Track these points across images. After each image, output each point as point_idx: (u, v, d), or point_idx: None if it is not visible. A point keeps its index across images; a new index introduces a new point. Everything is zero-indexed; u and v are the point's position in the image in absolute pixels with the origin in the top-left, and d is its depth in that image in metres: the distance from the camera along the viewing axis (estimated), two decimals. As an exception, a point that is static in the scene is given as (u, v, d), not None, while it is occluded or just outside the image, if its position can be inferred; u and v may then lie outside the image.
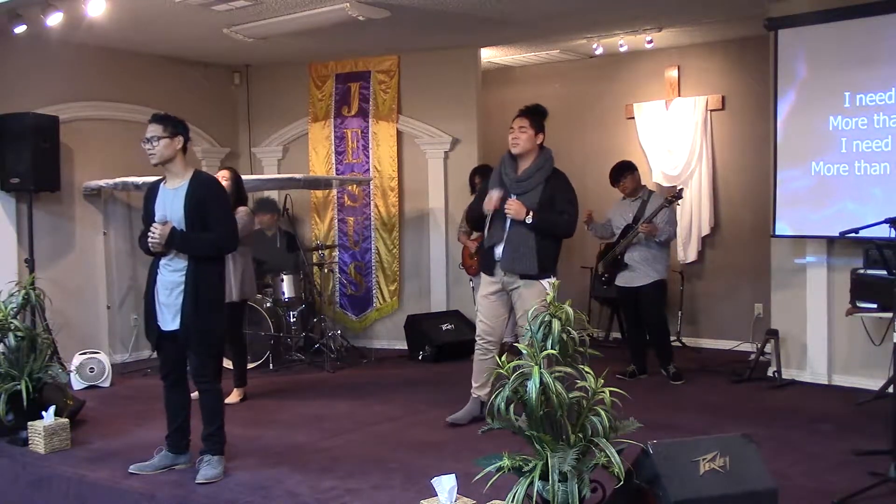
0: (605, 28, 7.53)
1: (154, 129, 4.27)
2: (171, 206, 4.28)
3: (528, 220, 5.03)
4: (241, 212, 6.03)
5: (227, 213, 4.39)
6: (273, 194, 8.27)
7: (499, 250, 5.16)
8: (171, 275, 4.27)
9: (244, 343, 6.41)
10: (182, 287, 4.23)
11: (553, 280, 5.06)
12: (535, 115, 5.18)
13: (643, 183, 6.88)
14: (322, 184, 8.17)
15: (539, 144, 5.18)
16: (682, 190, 6.83)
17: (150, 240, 4.21)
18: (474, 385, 5.39)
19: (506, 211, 5.07)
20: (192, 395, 4.51)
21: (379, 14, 6.38)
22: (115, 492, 4.28)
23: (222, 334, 4.49)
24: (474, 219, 5.49)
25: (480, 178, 6.74)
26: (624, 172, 6.72)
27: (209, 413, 4.36)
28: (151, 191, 4.42)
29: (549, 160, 5.22)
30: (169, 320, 4.28)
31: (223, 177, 6.01)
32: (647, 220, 6.38)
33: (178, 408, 4.46)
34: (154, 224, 4.20)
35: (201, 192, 4.26)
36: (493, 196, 5.12)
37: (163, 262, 4.31)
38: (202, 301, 4.23)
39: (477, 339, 5.36)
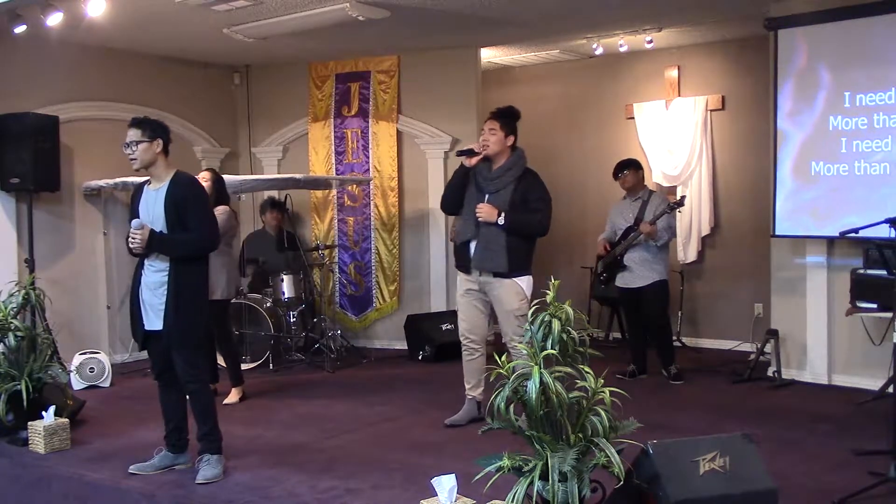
0: (605, 28, 7.53)
1: (133, 134, 4.28)
2: (153, 207, 4.31)
3: (500, 221, 5.07)
4: (220, 210, 6.02)
5: (205, 214, 4.39)
6: (273, 194, 8.27)
7: (472, 247, 5.19)
8: (155, 275, 4.29)
9: (233, 340, 6.41)
10: (165, 287, 4.25)
11: (530, 280, 5.11)
12: (506, 118, 5.22)
13: (643, 183, 6.88)
14: (322, 184, 8.17)
15: (511, 146, 5.22)
16: (683, 198, 6.83)
17: (130, 243, 4.24)
18: (467, 387, 5.41)
19: (477, 215, 5.11)
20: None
21: (379, 14, 6.38)
22: (115, 492, 4.28)
23: (205, 333, 4.51)
24: (454, 190, 5.29)
25: None
26: (626, 167, 6.74)
27: (201, 413, 4.38)
28: (137, 192, 4.46)
29: (521, 160, 5.26)
30: (154, 319, 4.30)
31: (203, 178, 6.02)
32: (652, 221, 6.38)
33: (174, 407, 4.47)
34: (133, 229, 4.22)
35: (180, 193, 4.29)
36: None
37: (146, 262, 4.34)
38: (184, 300, 4.24)
39: (461, 339, 5.39)
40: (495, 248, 5.09)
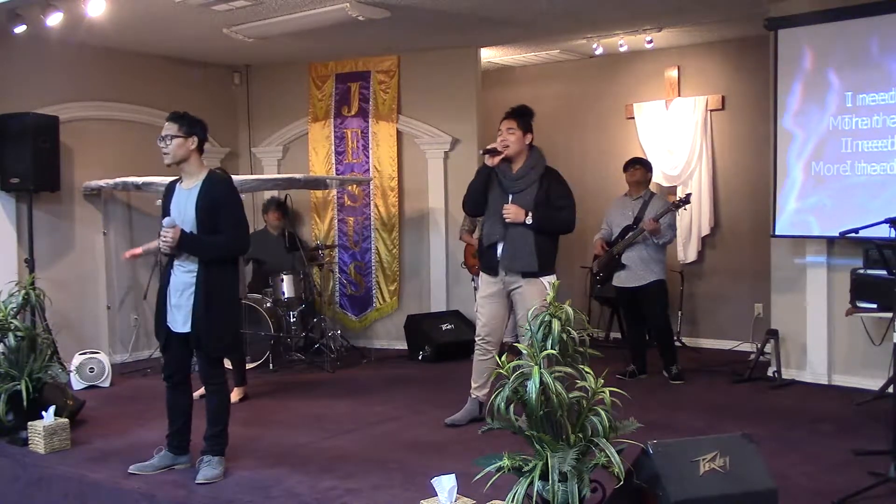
0: (605, 28, 7.53)
1: (168, 128, 4.23)
2: (184, 206, 4.25)
3: (528, 220, 5.08)
4: None
5: (238, 216, 4.32)
6: (273, 194, 8.27)
7: (500, 249, 5.18)
8: (184, 276, 4.24)
9: (241, 342, 6.40)
10: (193, 288, 4.21)
11: (553, 280, 5.12)
12: (522, 117, 5.22)
13: (648, 185, 6.88)
14: (322, 184, 8.17)
15: (529, 144, 5.22)
16: (689, 195, 6.81)
17: (161, 242, 4.18)
18: (473, 386, 5.41)
19: (504, 216, 5.11)
20: (193, 396, 4.52)
21: (379, 14, 6.38)
22: (115, 492, 4.28)
23: (235, 337, 4.44)
24: (476, 191, 5.27)
25: None
26: (639, 162, 6.80)
27: (215, 414, 4.35)
28: (169, 190, 4.39)
29: (542, 158, 5.27)
30: (180, 322, 4.25)
31: None
32: (655, 218, 6.37)
33: (181, 409, 4.44)
34: (164, 227, 4.17)
35: (213, 194, 4.22)
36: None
37: (176, 262, 4.28)
38: (213, 303, 4.19)
39: (476, 339, 5.37)
40: (524, 249, 5.10)
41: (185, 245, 4.17)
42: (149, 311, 7.21)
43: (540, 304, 4.97)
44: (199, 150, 4.30)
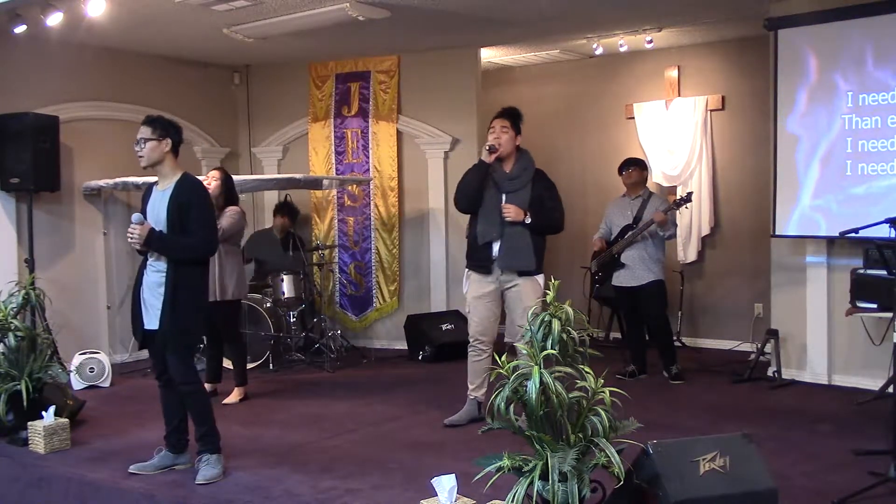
0: (605, 28, 7.53)
1: (143, 132, 4.31)
2: (158, 207, 4.33)
3: (527, 220, 5.12)
4: (231, 211, 6.05)
5: (206, 218, 4.39)
6: (273, 194, 8.27)
7: (495, 248, 5.19)
8: (155, 275, 4.31)
9: (244, 342, 6.41)
10: (163, 287, 4.26)
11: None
12: (514, 118, 5.28)
13: (645, 184, 6.87)
14: (322, 184, 8.18)
15: (517, 146, 5.27)
16: (690, 194, 6.80)
17: (128, 239, 4.26)
18: (471, 387, 5.41)
19: (505, 215, 5.14)
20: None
21: (379, 14, 6.38)
22: (115, 492, 4.28)
23: (198, 336, 4.47)
24: (474, 187, 5.22)
25: None
26: (633, 164, 6.79)
27: (198, 414, 4.38)
28: (146, 192, 4.48)
29: (532, 160, 5.34)
30: (153, 319, 4.32)
31: (213, 177, 6.05)
32: (665, 210, 6.37)
33: (175, 408, 4.47)
34: (133, 223, 4.23)
35: (184, 196, 4.29)
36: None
37: (148, 262, 4.36)
38: (179, 302, 4.24)
39: (470, 339, 5.38)
40: (522, 247, 5.15)
41: (153, 243, 4.23)
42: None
43: (538, 301, 5.05)
44: (174, 152, 4.36)
